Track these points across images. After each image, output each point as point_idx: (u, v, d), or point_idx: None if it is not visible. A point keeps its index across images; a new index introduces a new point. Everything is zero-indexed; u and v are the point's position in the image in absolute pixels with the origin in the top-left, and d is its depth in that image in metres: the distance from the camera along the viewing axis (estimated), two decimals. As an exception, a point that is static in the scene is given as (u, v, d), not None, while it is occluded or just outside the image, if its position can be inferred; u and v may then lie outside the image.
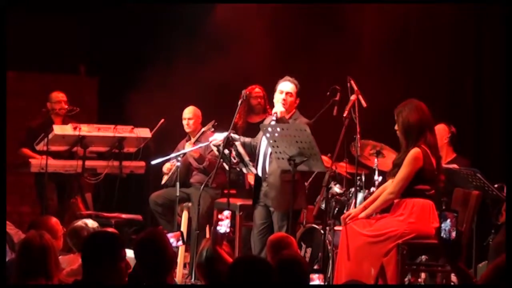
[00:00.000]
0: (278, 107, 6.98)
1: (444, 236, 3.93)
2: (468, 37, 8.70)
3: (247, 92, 7.74)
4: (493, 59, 8.43)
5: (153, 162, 8.60)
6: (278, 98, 7.04)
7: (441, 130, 7.69)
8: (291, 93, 7.03)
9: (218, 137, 7.23)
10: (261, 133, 7.04)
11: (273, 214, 7.05)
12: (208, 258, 4.91)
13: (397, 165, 6.24)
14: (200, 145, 8.43)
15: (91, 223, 5.97)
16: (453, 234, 3.92)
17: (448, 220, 3.94)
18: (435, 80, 8.88)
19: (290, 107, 7.05)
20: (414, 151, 6.13)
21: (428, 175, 6.16)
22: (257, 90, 8.42)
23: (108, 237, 4.53)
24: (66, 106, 9.12)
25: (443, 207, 6.96)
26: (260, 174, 7.15)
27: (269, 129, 6.72)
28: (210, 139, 7.42)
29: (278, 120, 6.90)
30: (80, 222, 5.96)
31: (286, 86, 7.05)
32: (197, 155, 8.49)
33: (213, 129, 8.33)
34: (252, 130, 7.79)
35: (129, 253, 4.64)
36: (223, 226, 4.98)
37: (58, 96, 9.18)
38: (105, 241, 4.46)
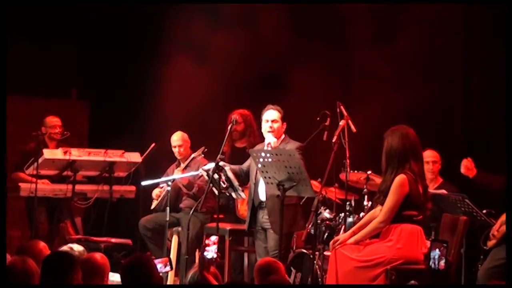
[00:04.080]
0: (270, 138, 7.21)
1: (433, 265, 3.96)
2: (459, 59, 8.74)
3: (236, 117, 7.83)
4: (486, 69, 8.50)
5: (143, 183, 8.61)
6: (265, 128, 7.28)
7: (427, 157, 7.72)
8: (276, 119, 7.26)
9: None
10: (249, 159, 7.10)
11: (269, 235, 7.15)
12: (195, 283, 4.91)
13: (382, 192, 6.26)
14: (190, 173, 8.43)
15: (77, 248, 5.95)
16: (442, 263, 3.95)
17: (437, 250, 3.97)
18: (425, 104, 8.91)
19: (278, 133, 7.27)
20: (400, 178, 6.15)
21: (415, 201, 6.18)
22: (234, 115, 8.26)
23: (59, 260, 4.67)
24: (61, 130, 9.13)
25: (432, 233, 6.99)
26: (254, 200, 7.26)
27: (258, 154, 6.78)
28: (204, 168, 7.43)
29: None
30: (65, 247, 5.94)
31: (270, 115, 7.28)
32: (185, 182, 8.50)
33: (202, 155, 8.32)
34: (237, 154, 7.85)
35: (117, 278, 4.63)
36: (210, 252, 5.00)
37: (53, 120, 9.18)
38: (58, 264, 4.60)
